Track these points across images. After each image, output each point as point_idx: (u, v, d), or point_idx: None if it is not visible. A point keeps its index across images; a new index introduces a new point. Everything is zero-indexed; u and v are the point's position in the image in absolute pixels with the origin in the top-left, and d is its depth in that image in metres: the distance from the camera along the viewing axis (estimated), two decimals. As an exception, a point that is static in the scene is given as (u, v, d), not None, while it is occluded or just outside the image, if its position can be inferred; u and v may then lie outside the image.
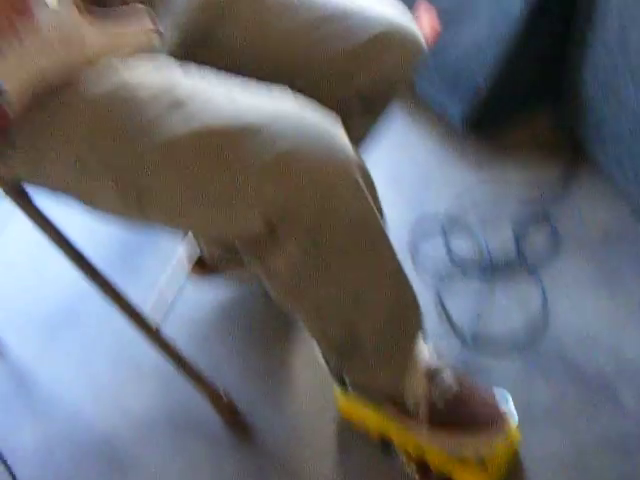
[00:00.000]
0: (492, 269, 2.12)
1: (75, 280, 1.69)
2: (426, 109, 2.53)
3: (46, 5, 1.27)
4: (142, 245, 2.32)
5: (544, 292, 2.05)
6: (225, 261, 2.06)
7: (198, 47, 1.54)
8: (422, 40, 1.62)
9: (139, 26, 1.38)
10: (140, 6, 1.38)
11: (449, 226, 2.24)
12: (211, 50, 1.55)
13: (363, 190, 1.33)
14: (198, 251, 2.05)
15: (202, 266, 2.09)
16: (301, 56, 1.56)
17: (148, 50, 1.40)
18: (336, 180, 1.29)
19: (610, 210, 2.23)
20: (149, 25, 1.38)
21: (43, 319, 2.20)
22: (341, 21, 1.55)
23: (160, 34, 1.39)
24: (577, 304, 2.02)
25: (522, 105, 2.51)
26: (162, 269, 2.11)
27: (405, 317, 1.57)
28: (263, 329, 2.09)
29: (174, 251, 2.15)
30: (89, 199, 1.43)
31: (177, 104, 1.30)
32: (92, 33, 1.34)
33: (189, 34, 1.53)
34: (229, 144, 1.27)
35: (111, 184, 1.34)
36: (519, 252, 2.16)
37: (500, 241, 2.19)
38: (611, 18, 2.06)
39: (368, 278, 1.43)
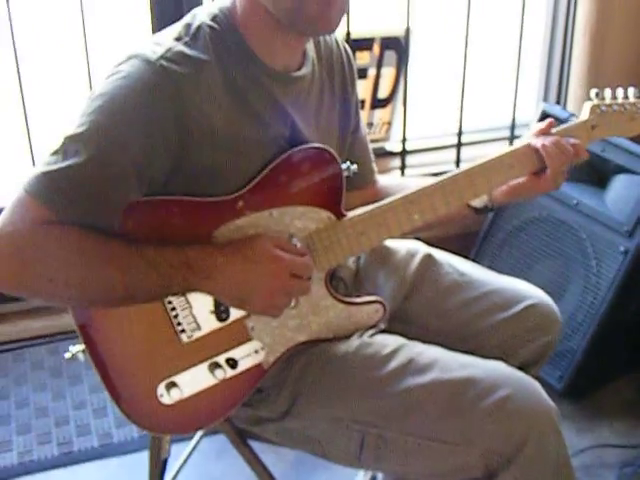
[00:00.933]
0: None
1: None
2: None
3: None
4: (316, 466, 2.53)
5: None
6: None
7: (392, 321, 1.84)
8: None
9: (372, 305, 1.72)
10: (373, 297, 1.74)
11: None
12: (403, 323, 1.87)
13: (561, 433, 1.61)
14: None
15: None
16: (471, 325, 1.88)
17: (377, 325, 1.75)
18: (546, 426, 1.58)
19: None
20: (380, 305, 1.73)
21: None
22: (499, 294, 1.89)
23: (385, 313, 1.74)
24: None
25: (613, 371, 2.89)
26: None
27: None
28: None
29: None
30: (326, 450, 1.71)
31: (410, 359, 1.63)
32: (336, 306, 1.68)
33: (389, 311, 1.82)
34: (457, 392, 1.59)
35: (357, 438, 1.63)
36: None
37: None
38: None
39: None
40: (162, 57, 1.46)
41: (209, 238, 1.54)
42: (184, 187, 1.52)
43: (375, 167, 1.95)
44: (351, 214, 1.65)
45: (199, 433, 2.29)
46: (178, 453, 2.24)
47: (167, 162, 1.48)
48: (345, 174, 1.66)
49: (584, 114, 1.79)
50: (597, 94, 1.79)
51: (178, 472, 2.22)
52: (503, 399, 1.57)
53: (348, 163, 1.71)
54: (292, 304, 1.59)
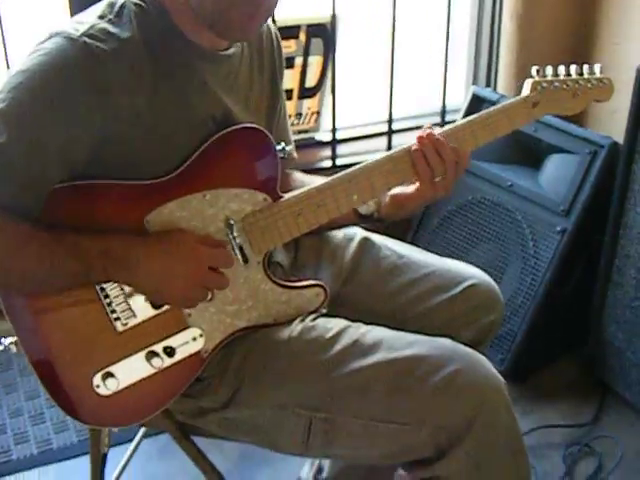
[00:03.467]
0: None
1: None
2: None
3: (241, 264, 1.59)
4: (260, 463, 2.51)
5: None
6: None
7: (332, 305, 1.79)
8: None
9: (313, 289, 1.69)
10: (314, 281, 1.71)
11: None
12: (343, 307, 1.82)
13: (511, 406, 1.60)
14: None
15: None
16: (412, 308, 1.85)
17: (318, 309, 1.71)
18: (496, 399, 1.57)
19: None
20: (321, 289, 1.69)
21: None
22: (440, 275, 1.87)
23: (326, 298, 1.70)
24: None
25: (554, 352, 2.90)
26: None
27: None
28: None
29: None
30: (272, 438, 1.66)
31: (355, 341, 1.60)
32: (275, 290, 1.65)
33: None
34: (404, 371, 1.56)
35: (304, 423, 1.59)
36: (571, 475, 2.47)
37: (552, 468, 2.49)
38: (629, 268, 2.52)
39: (511, 478, 1.63)
40: (84, 34, 1.42)
41: (141, 222, 1.51)
42: (111, 171, 1.48)
43: (295, 155, 1.91)
44: (288, 195, 1.62)
45: (139, 434, 2.25)
46: (120, 455, 2.20)
47: (90, 141, 1.44)
48: (280, 155, 1.63)
49: (525, 91, 1.75)
50: (538, 71, 1.76)
51: (121, 473, 2.18)
52: (452, 375, 1.55)
53: (283, 144, 1.69)
54: (208, 297, 1.56)
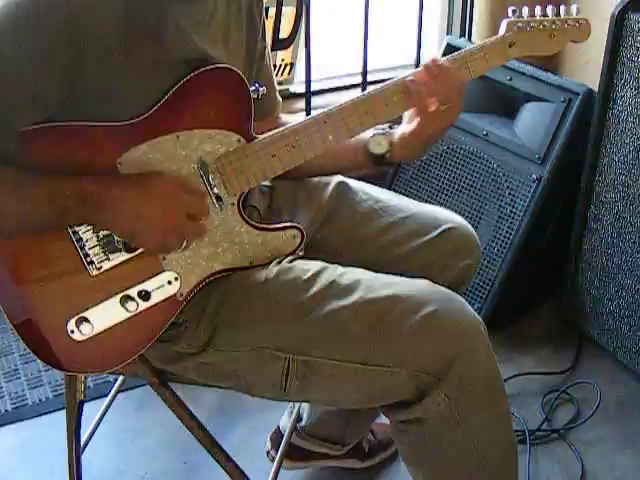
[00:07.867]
0: (529, 438, 2.39)
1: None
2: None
3: (215, 206, 1.57)
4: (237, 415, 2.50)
5: (579, 454, 2.36)
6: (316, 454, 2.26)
7: (309, 250, 1.74)
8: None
9: (289, 231, 1.66)
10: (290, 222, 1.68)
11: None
12: (320, 253, 1.77)
13: (490, 346, 1.59)
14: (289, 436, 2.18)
15: (291, 457, 2.24)
16: (389, 252, 1.83)
17: (295, 252, 1.68)
18: (475, 339, 1.56)
19: (618, 381, 2.63)
20: (298, 231, 1.67)
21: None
22: (417, 219, 1.86)
23: (303, 240, 1.68)
24: (607, 463, 2.34)
25: (531, 300, 2.91)
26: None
27: (513, 462, 1.73)
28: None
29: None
30: (250, 383, 1.64)
31: (332, 281, 1.58)
32: (250, 233, 1.62)
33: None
34: (382, 312, 1.54)
35: (282, 366, 1.57)
36: (549, 422, 2.49)
37: (531, 414, 2.50)
38: (605, 214, 2.53)
39: (490, 420, 1.62)
40: None
41: (114, 164, 1.48)
42: (83, 114, 1.44)
43: (279, 99, 1.88)
44: (262, 136, 1.59)
45: (114, 388, 2.23)
46: (95, 410, 2.19)
47: (61, 80, 1.39)
48: (254, 96, 1.60)
49: (501, 31, 1.72)
50: (514, 11, 1.74)
51: (97, 426, 2.16)
52: (429, 315, 1.53)
53: (257, 85, 1.65)
54: (184, 245, 1.53)
